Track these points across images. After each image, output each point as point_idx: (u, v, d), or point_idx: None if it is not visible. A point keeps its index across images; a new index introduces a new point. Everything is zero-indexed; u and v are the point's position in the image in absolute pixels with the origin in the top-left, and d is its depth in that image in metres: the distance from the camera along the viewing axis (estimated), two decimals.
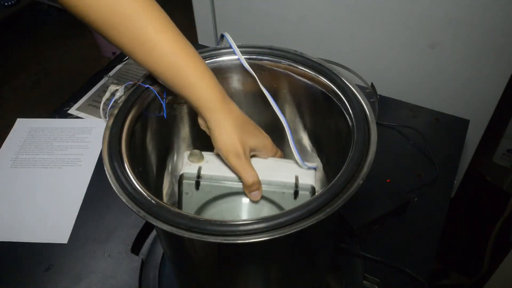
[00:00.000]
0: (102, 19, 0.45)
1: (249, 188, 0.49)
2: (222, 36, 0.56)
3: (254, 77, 0.54)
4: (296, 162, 0.52)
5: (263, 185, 0.50)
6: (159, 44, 0.46)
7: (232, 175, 0.51)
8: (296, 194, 0.50)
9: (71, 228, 0.75)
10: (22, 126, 0.94)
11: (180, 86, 0.48)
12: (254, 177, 0.48)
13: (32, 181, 0.83)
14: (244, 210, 0.51)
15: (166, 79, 0.48)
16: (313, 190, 0.50)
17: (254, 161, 0.51)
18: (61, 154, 0.88)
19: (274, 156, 0.54)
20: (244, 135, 0.49)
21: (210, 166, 0.52)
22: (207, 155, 0.53)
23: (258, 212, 0.51)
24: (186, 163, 0.52)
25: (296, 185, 0.50)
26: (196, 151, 0.52)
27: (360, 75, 0.83)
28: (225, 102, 0.48)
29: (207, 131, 0.50)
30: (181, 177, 0.51)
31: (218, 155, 0.52)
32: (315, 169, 0.52)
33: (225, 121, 0.48)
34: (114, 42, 0.47)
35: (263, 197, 0.51)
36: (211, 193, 0.51)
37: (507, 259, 0.87)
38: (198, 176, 0.51)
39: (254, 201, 0.50)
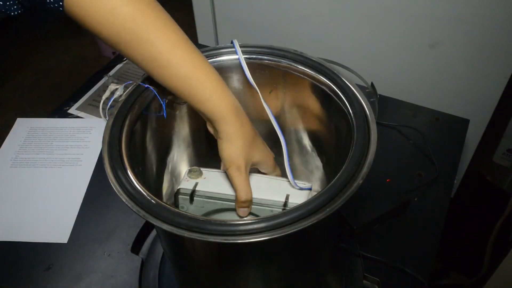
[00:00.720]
0: (113, 35, 0.45)
1: (240, 203, 0.51)
2: (232, 42, 0.56)
3: (258, 92, 0.55)
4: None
5: (254, 202, 0.51)
6: (173, 61, 0.47)
7: (226, 192, 0.52)
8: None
9: (71, 227, 0.75)
10: (22, 126, 0.94)
11: (195, 101, 0.48)
12: (247, 195, 0.50)
13: (32, 180, 0.83)
14: None
15: (181, 93, 0.49)
16: None
17: (250, 177, 0.53)
18: (61, 154, 0.88)
19: (272, 172, 0.55)
20: (249, 150, 0.50)
21: (207, 182, 0.54)
22: (206, 171, 0.55)
23: None
24: (185, 179, 0.54)
25: (285, 203, 0.50)
26: (196, 167, 0.54)
27: (360, 75, 0.83)
28: (237, 115, 0.49)
29: (215, 136, 0.51)
30: (177, 192, 0.53)
31: (216, 173, 0.54)
32: (309, 189, 0.53)
33: (235, 135, 0.49)
34: (127, 57, 0.48)
35: (252, 214, 0.52)
36: (204, 208, 0.53)
37: (507, 259, 0.86)
38: (193, 191, 0.52)
39: (241, 217, 0.52)
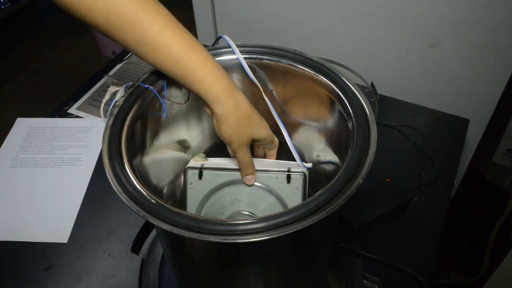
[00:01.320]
0: (103, 20, 0.45)
1: (244, 171, 0.54)
2: (220, 37, 0.56)
3: (259, 87, 0.56)
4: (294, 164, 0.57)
5: (260, 172, 0.55)
6: (164, 43, 0.46)
7: (232, 166, 0.56)
8: (288, 178, 0.54)
9: (71, 227, 0.75)
10: (22, 126, 0.94)
11: (189, 82, 0.48)
12: (249, 163, 0.53)
13: (32, 180, 0.83)
14: (242, 195, 0.57)
15: (174, 76, 0.49)
16: (304, 175, 0.54)
17: (255, 159, 0.56)
18: (61, 154, 0.88)
19: (272, 146, 0.58)
20: (247, 129, 0.51)
21: (212, 162, 0.58)
22: (210, 158, 0.59)
23: (255, 196, 0.56)
24: (191, 162, 0.58)
25: (289, 170, 0.55)
26: (201, 154, 0.59)
27: (360, 75, 0.83)
28: (232, 96, 0.49)
29: (212, 117, 0.52)
30: (186, 169, 0.57)
31: (219, 159, 0.58)
32: (310, 168, 0.57)
33: (231, 116, 0.49)
34: (119, 42, 0.47)
35: (260, 184, 0.56)
36: (213, 182, 0.56)
37: (507, 258, 0.87)
38: (202, 166, 0.57)
39: (248, 185, 0.55)
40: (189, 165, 0.57)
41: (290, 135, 0.58)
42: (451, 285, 1.26)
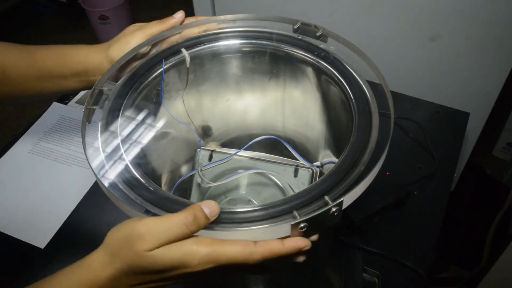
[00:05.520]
0: None
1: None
2: None
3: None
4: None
5: (269, 162, 0.56)
6: None
7: (241, 154, 0.58)
8: (296, 171, 0.55)
9: (53, 234, 0.72)
10: (55, 111, 0.93)
11: None
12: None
13: (39, 172, 0.81)
14: (247, 181, 0.59)
15: None
16: (312, 172, 0.54)
17: (269, 155, 0.58)
18: (76, 151, 0.85)
19: None
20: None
21: (224, 149, 0.60)
22: (224, 148, 0.61)
23: (259, 185, 0.58)
24: (206, 146, 0.61)
25: (297, 164, 0.55)
26: (217, 142, 0.62)
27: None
28: None
29: None
30: (198, 150, 0.59)
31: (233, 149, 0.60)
32: (319, 166, 0.56)
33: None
34: None
35: (266, 172, 0.56)
36: (221, 165, 0.58)
37: (506, 252, 0.87)
38: (212, 151, 0.60)
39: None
40: (203, 147, 0.60)
41: (289, 124, 0.58)
42: (450, 278, 1.26)
